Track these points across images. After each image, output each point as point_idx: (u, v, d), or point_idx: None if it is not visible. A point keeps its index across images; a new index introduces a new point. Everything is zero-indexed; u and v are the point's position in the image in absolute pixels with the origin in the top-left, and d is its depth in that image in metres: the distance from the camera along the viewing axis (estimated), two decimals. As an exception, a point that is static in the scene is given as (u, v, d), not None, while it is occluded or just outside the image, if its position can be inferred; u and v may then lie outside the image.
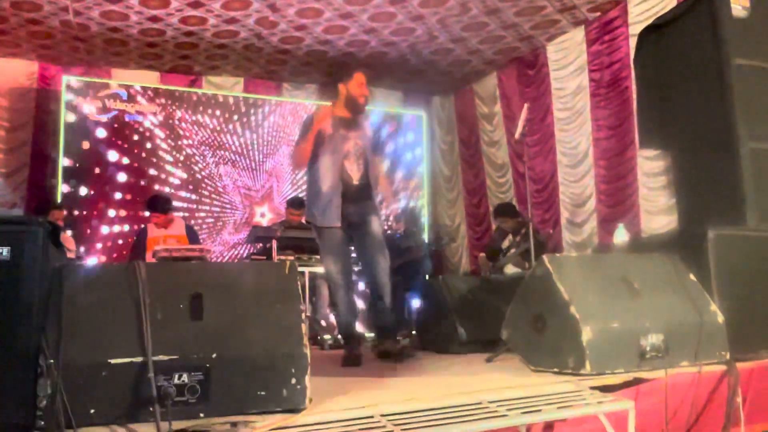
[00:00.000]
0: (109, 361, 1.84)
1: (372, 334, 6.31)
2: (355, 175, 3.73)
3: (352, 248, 3.88)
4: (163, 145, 7.30)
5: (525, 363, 2.89)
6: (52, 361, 1.78)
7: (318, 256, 5.64)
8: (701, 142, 3.69)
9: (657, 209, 5.49)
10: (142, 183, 7.13)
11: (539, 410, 2.17)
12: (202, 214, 7.37)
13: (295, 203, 6.25)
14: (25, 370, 1.79)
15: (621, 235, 4.16)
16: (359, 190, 3.74)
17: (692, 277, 2.98)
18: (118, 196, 7.03)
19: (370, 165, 3.82)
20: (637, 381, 2.57)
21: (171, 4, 5.67)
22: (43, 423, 1.76)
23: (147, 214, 5.75)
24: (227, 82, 7.60)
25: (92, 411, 1.81)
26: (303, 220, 6.27)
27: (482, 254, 6.20)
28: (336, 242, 3.69)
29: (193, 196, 7.38)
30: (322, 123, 3.67)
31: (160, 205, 5.63)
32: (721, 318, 2.84)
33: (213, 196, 7.48)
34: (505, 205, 6.42)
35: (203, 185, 7.45)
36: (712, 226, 3.06)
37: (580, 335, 2.54)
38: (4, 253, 1.82)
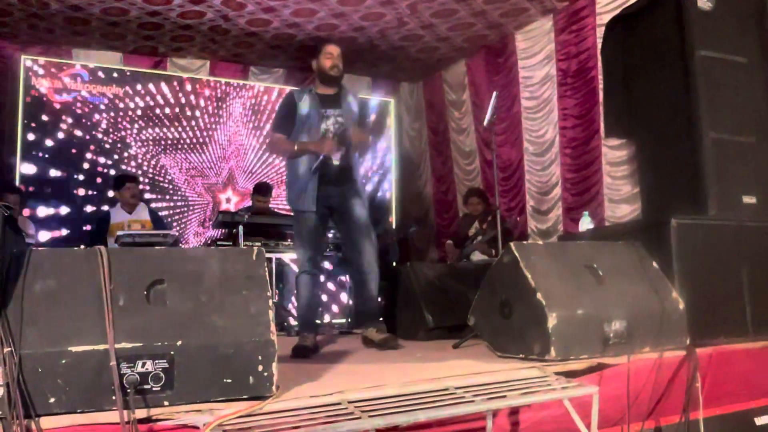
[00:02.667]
0: (69, 348, 1.79)
1: (341, 321, 6.34)
2: (334, 156, 3.54)
3: (331, 234, 3.79)
4: (124, 130, 7.14)
5: (491, 349, 2.92)
6: (9, 349, 1.73)
7: (285, 243, 5.63)
8: (665, 131, 3.76)
9: (621, 198, 5.57)
10: (101, 168, 6.97)
11: (504, 396, 2.19)
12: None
13: (261, 189, 6.18)
14: (-19, 359, 1.73)
15: (586, 224, 4.21)
16: (340, 172, 3.56)
17: (655, 264, 3.03)
18: (76, 180, 6.86)
19: (352, 145, 3.62)
20: (601, 367, 2.61)
21: (134, -17, 5.52)
22: (0, 413, 1.71)
23: (111, 194, 5.67)
24: (192, 64, 7.45)
25: (52, 400, 1.76)
26: (269, 206, 6.23)
27: (449, 241, 6.24)
28: (308, 229, 3.54)
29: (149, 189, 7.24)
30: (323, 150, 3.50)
31: (125, 186, 5.59)
32: (681, 305, 2.90)
33: (159, 192, 7.32)
34: (478, 188, 6.54)
35: (155, 178, 7.29)
36: (675, 215, 3.11)
37: (545, 322, 2.57)
38: (-42, 237, 1.75)
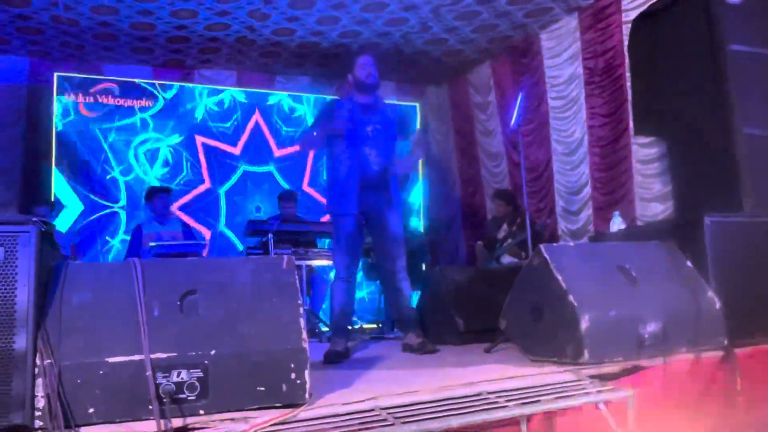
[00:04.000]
0: (106, 359, 1.83)
1: (372, 326, 6.35)
2: (374, 161, 3.66)
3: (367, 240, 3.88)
4: (156, 141, 7.26)
5: (523, 353, 2.89)
6: (49, 361, 1.77)
7: (315, 249, 5.66)
8: (696, 128, 3.70)
9: (652, 196, 5.48)
10: (133, 181, 7.09)
11: (538, 400, 2.17)
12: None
13: (284, 197, 6.26)
14: (22, 371, 1.78)
15: (617, 223, 4.15)
16: (378, 177, 3.67)
17: (689, 264, 2.98)
18: (110, 193, 6.99)
19: (390, 150, 3.76)
20: (636, 369, 2.57)
21: (161, -3, 5.62)
22: (41, 423, 1.75)
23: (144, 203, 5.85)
24: (220, 75, 7.55)
25: (91, 410, 1.80)
26: (296, 212, 6.28)
27: (479, 243, 6.21)
28: (347, 234, 3.63)
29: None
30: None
31: (158, 195, 5.71)
32: (718, 304, 2.84)
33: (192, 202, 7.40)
34: (505, 190, 6.50)
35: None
36: (708, 213, 3.06)
37: (578, 324, 2.54)
38: (-1, 253, 1.80)
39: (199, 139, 7.41)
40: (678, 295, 2.82)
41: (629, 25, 4.77)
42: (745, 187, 3.33)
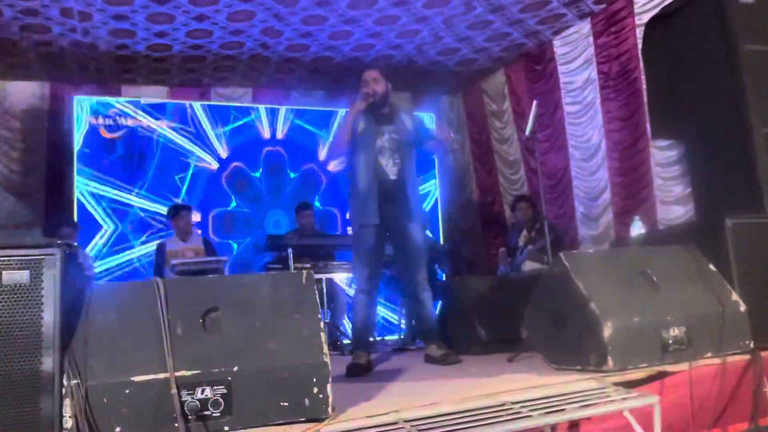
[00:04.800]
0: (132, 379, 1.86)
1: (394, 338, 6.35)
2: (390, 171, 3.67)
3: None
4: (175, 161, 7.34)
5: (546, 361, 2.88)
6: (76, 381, 1.80)
7: (335, 263, 5.68)
8: (714, 129, 3.67)
9: (673, 199, 5.43)
10: (157, 201, 7.18)
11: (563, 409, 2.16)
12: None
13: (301, 207, 6.30)
14: (50, 392, 1.81)
15: (637, 228, 4.12)
16: (396, 187, 3.68)
17: (712, 267, 2.95)
18: (132, 213, 7.08)
19: (409, 159, 3.75)
20: (662, 375, 2.54)
21: (176, 18, 5.71)
22: (70, 443, 1.78)
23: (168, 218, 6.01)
24: (235, 92, 7.64)
25: (118, 429, 1.82)
26: (314, 223, 6.31)
27: (502, 249, 6.21)
28: (368, 246, 3.63)
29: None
30: (353, 114, 3.67)
31: (181, 213, 5.81)
32: (743, 307, 2.80)
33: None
34: (524, 195, 6.54)
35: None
36: (730, 215, 3.02)
37: (600, 331, 2.52)
38: (24, 277, 1.84)
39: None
40: (702, 299, 2.79)
41: (642, 28, 4.76)
42: (766, 187, 3.29)
